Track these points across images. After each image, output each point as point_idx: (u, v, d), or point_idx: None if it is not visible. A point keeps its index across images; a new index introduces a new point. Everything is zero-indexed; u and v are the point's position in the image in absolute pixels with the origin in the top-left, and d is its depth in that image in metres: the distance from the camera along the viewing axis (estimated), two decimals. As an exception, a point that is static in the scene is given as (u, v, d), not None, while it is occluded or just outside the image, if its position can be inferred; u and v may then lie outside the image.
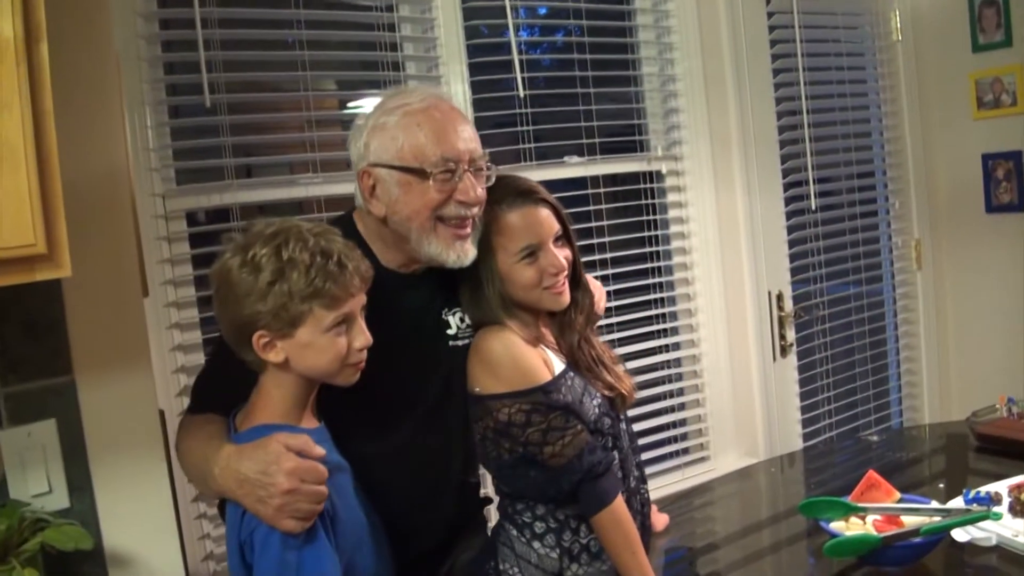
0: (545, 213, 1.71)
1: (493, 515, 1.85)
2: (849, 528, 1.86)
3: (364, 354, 1.45)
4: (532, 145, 2.68)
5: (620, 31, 2.93)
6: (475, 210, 1.62)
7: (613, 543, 1.66)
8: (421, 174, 1.56)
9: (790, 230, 3.15)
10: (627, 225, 2.92)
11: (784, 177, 3.12)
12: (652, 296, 2.96)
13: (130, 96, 2.02)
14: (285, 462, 1.33)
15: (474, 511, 1.88)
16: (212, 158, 2.21)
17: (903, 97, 3.46)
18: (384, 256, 1.66)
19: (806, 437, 3.22)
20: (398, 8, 2.50)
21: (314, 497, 1.34)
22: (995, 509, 1.85)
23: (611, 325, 2.83)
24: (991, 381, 3.27)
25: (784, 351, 3.12)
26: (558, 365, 1.70)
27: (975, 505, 1.91)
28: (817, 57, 3.23)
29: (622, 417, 1.81)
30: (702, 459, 3.05)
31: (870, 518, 1.87)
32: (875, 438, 2.93)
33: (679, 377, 3.04)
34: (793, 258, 3.17)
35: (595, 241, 2.80)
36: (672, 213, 3.00)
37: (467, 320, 1.73)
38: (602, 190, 2.84)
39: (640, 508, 1.78)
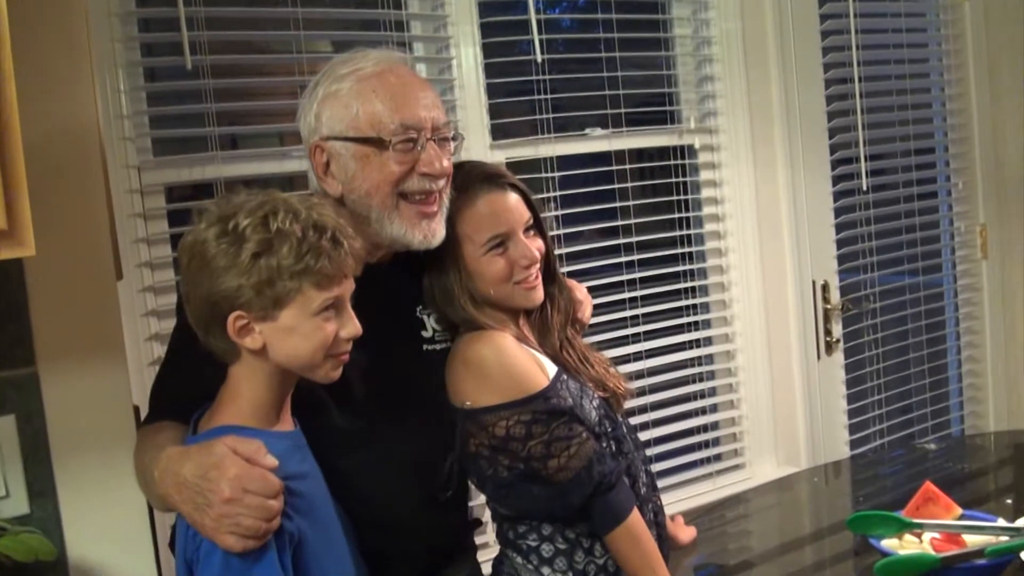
0: (514, 199, 1.70)
1: (490, 539, 1.83)
2: (903, 547, 1.86)
3: (349, 346, 1.41)
4: (550, 116, 2.66)
5: (650, -12, 2.91)
6: (441, 183, 1.60)
7: (631, 562, 1.64)
8: (379, 144, 1.55)
9: (838, 213, 3.13)
10: (655, 206, 2.90)
11: (832, 154, 3.10)
12: (682, 285, 2.94)
13: (100, 56, 2.01)
14: (229, 467, 1.27)
15: (461, 536, 1.85)
16: (193, 126, 2.20)
17: (969, 64, 3.43)
18: None
19: (853, 444, 3.20)
20: (402, -40, 2.48)
21: (259, 512, 1.26)
22: (1069, 528, 1.84)
23: (636, 317, 2.82)
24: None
25: (829, 348, 3.11)
26: (551, 367, 1.69)
27: (1047, 523, 1.90)
28: (872, 18, 3.20)
29: (622, 418, 1.80)
30: (736, 467, 3.04)
31: (927, 536, 1.87)
32: (932, 446, 2.92)
33: (711, 376, 3.03)
34: (841, 244, 3.15)
35: (619, 223, 2.79)
36: (705, 193, 2.98)
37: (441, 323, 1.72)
38: (628, 166, 2.82)
39: (654, 518, 1.77)
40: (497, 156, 2.59)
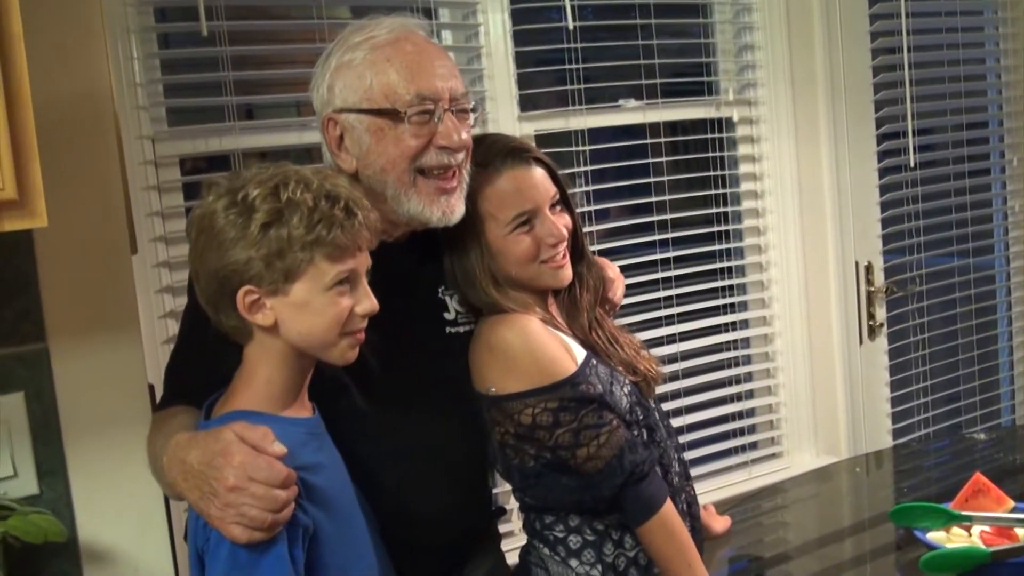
0: (540, 174, 1.68)
1: (515, 527, 1.83)
2: (951, 540, 1.85)
3: (365, 323, 1.39)
4: (581, 86, 2.65)
5: (687, -50, 2.90)
6: (460, 157, 1.59)
7: (665, 555, 1.64)
8: (394, 116, 1.53)
9: (883, 191, 3.12)
10: (690, 182, 2.90)
11: (878, 128, 3.08)
12: (718, 265, 2.94)
13: (112, 22, 2.01)
14: (234, 454, 1.25)
15: (485, 524, 1.86)
16: (210, 96, 2.20)
17: (1026, 32, 3.39)
18: None
19: (897, 433, 3.20)
20: (427, -79, 2.47)
21: (265, 502, 1.24)
22: (1126, 522, 1.82)
23: (669, 299, 2.82)
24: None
25: (873, 332, 3.10)
26: (579, 352, 1.68)
27: (1102, 517, 1.89)
28: (923, -16, 3.18)
29: (654, 404, 1.79)
30: (773, 456, 3.05)
31: (976, 529, 1.86)
32: (981, 436, 2.89)
33: (748, 360, 3.03)
34: (886, 224, 3.14)
35: (653, 199, 2.78)
36: (744, 168, 2.97)
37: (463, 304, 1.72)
38: (662, 140, 2.81)
39: (687, 509, 1.76)
40: (525, 128, 2.58)
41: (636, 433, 1.67)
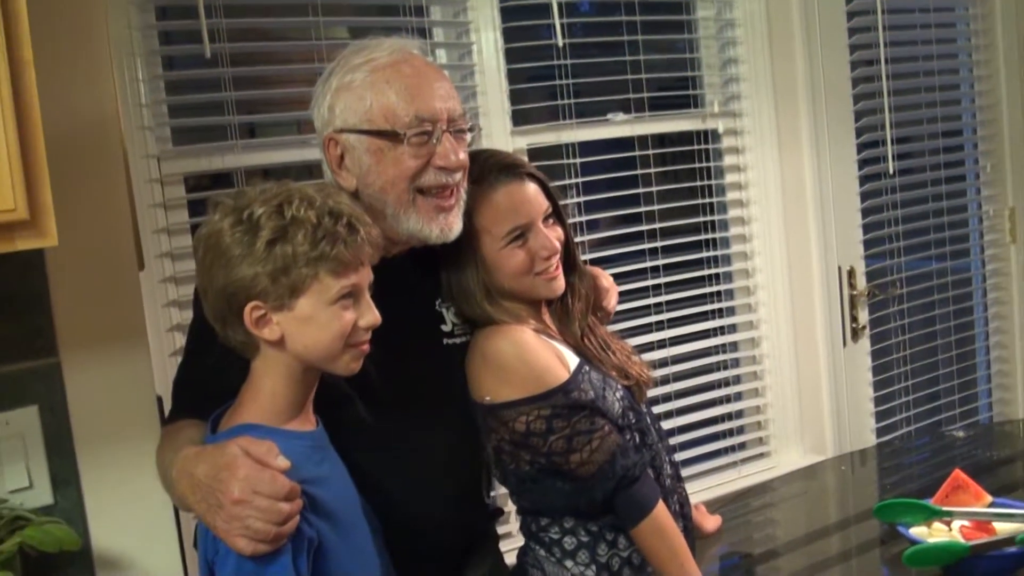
0: (532, 189, 1.68)
1: (512, 529, 1.83)
2: (932, 535, 1.86)
3: (368, 335, 1.39)
4: (571, 101, 2.65)
5: (671, -31, 2.90)
6: (458, 176, 1.59)
7: (658, 555, 1.64)
8: (393, 137, 1.53)
9: (864, 197, 3.12)
10: (678, 191, 2.89)
11: (858, 137, 3.09)
12: (706, 272, 2.94)
13: (118, 45, 2.01)
14: (239, 468, 1.26)
15: (484, 527, 1.86)
16: (213, 115, 2.20)
17: (999, 43, 3.39)
18: None
19: (880, 432, 3.20)
20: (421, -55, 2.48)
21: (269, 515, 1.25)
22: (1100, 515, 1.83)
23: (659, 305, 2.82)
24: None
25: (856, 335, 3.10)
26: (572, 359, 1.68)
27: (1077, 511, 1.89)
28: (899, -2, 3.18)
29: (646, 408, 1.79)
30: (761, 455, 3.05)
31: (956, 524, 1.86)
32: (961, 434, 2.90)
33: (736, 363, 3.02)
34: (867, 229, 3.13)
35: (642, 209, 2.78)
36: (729, 178, 2.97)
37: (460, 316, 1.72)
38: (651, 151, 2.81)
39: (679, 509, 1.77)
40: (518, 142, 2.58)
41: (628, 437, 1.67)
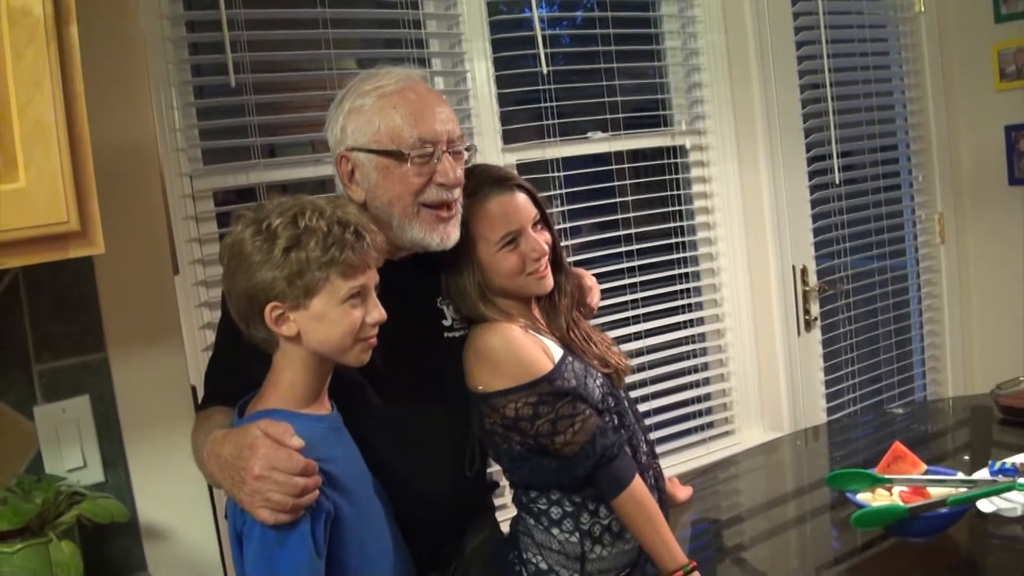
0: (523, 198, 1.68)
1: (507, 501, 1.82)
2: (876, 499, 1.85)
3: (376, 330, 1.41)
4: (555, 121, 2.66)
5: (642, 5, 2.90)
6: (456, 192, 1.59)
7: (636, 523, 1.64)
8: (399, 157, 1.53)
9: (814, 205, 3.13)
10: (651, 200, 2.91)
11: (808, 152, 3.10)
12: (676, 271, 2.94)
13: (156, 76, 2.02)
14: (259, 447, 1.28)
15: (481, 499, 1.85)
16: (237, 137, 2.21)
17: (926, 69, 3.42)
18: None
19: (830, 411, 3.21)
20: (421, -15, 2.48)
21: (286, 488, 1.26)
22: (1021, 480, 1.83)
23: (635, 301, 2.82)
24: (1015, 354, 3.25)
25: (808, 326, 3.11)
26: (556, 351, 1.67)
27: (1000, 476, 1.90)
28: (840, 30, 3.19)
29: (624, 393, 1.79)
30: (727, 433, 3.05)
31: (896, 489, 1.86)
32: (900, 411, 2.90)
33: (703, 352, 3.03)
34: (817, 233, 3.15)
35: (619, 217, 2.79)
36: (696, 188, 2.98)
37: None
38: (626, 165, 2.82)
39: (655, 483, 1.76)
40: (508, 158, 2.59)
41: (608, 419, 1.67)
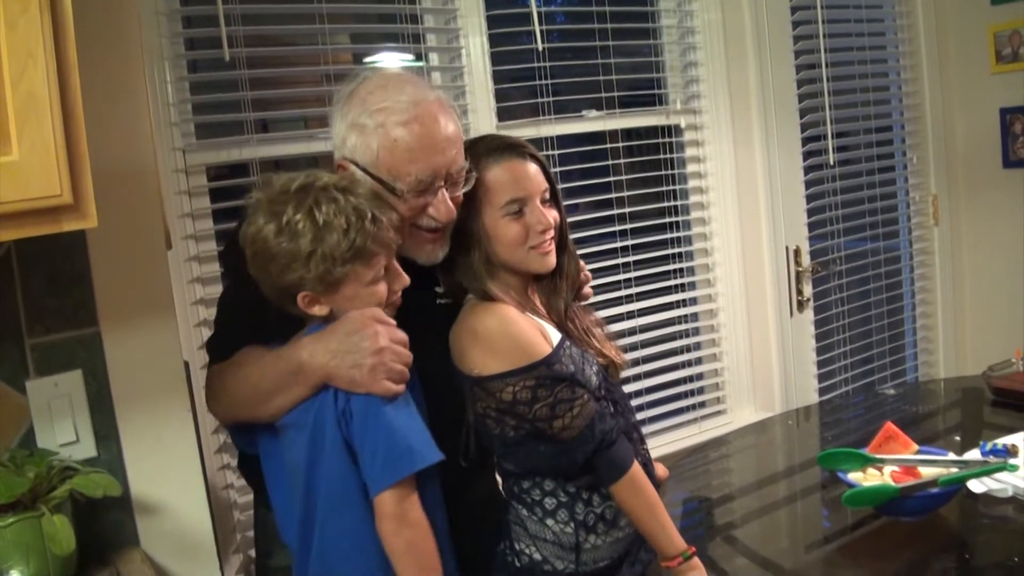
0: (533, 168, 1.64)
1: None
2: (867, 479, 1.86)
3: (399, 292, 1.48)
4: (550, 99, 2.66)
5: (639, -18, 2.89)
6: (445, 223, 1.57)
7: (634, 509, 1.61)
8: (392, 190, 1.52)
9: (808, 185, 3.13)
10: (645, 180, 2.90)
11: (803, 132, 3.10)
12: (670, 251, 2.95)
13: (149, 50, 2.01)
14: (373, 324, 1.40)
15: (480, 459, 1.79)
16: (231, 112, 2.20)
17: (922, 51, 3.41)
18: None
19: (822, 391, 3.23)
20: (416, -40, 2.46)
21: (403, 357, 1.40)
22: (1011, 461, 1.85)
23: (628, 281, 2.83)
24: (1007, 335, 3.26)
25: (801, 306, 3.12)
26: (554, 335, 1.64)
27: (992, 457, 1.91)
28: (837, 9, 3.19)
29: (618, 383, 1.76)
30: (719, 412, 3.07)
31: (887, 469, 1.87)
32: (891, 392, 2.92)
33: (696, 332, 3.04)
34: (811, 213, 3.15)
35: (613, 196, 2.79)
36: (690, 168, 2.98)
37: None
38: (620, 144, 2.82)
39: (643, 468, 1.75)
40: (502, 136, 2.58)
41: (605, 405, 1.64)
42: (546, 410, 1.56)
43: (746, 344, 3.09)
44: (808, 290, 3.13)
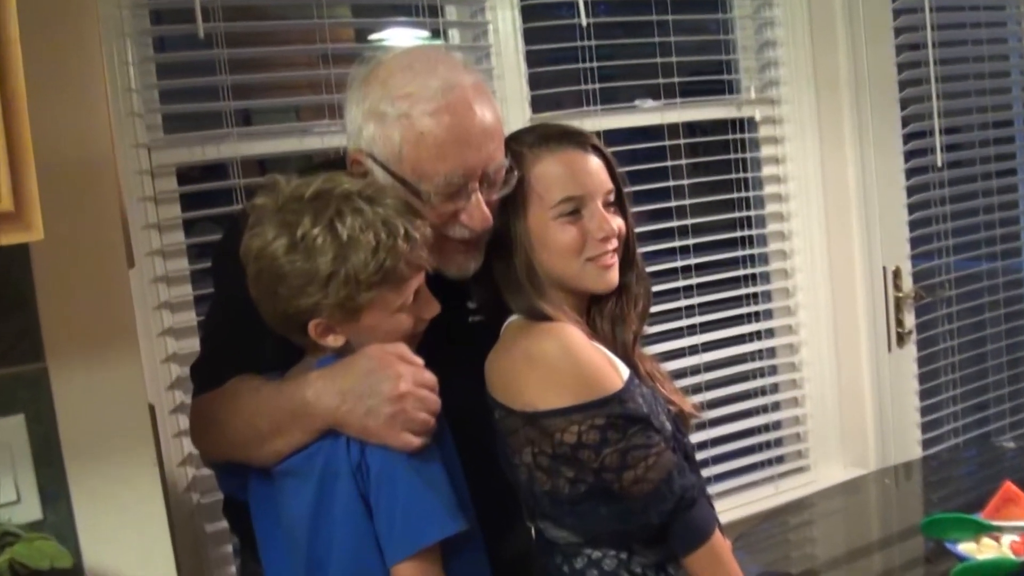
0: (596, 163, 1.63)
1: None
2: (981, 551, 1.86)
3: (426, 323, 1.48)
4: (596, 86, 2.65)
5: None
6: (481, 232, 1.56)
7: None
8: (417, 193, 1.51)
9: (910, 192, 3.12)
10: (711, 185, 2.90)
11: (904, 127, 3.09)
12: (741, 272, 2.94)
13: (107, 25, 2.02)
14: (395, 364, 1.39)
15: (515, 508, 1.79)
16: (207, 100, 2.20)
17: (1053, 26, 3.39)
18: None
19: (926, 444, 3.21)
20: (433, -84, 2.47)
21: (429, 403, 1.40)
22: None
23: (691, 307, 2.82)
24: None
25: (901, 340, 3.10)
26: (623, 368, 1.59)
27: None
28: (947, -21, 3.18)
29: (684, 432, 1.72)
30: (800, 469, 3.06)
31: (1006, 538, 1.87)
32: (1011, 445, 2.92)
33: (773, 371, 3.03)
34: (914, 227, 3.14)
35: (672, 204, 2.79)
36: (767, 171, 2.98)
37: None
38: (682, 141, 2.82)
39: None
40: (537, 131, 2.57)
41: (679, 459, 1.59)
42: (616, 457, 1.50)
43: (834, 386, 3.08)
44: (910, 320, 3.12)
